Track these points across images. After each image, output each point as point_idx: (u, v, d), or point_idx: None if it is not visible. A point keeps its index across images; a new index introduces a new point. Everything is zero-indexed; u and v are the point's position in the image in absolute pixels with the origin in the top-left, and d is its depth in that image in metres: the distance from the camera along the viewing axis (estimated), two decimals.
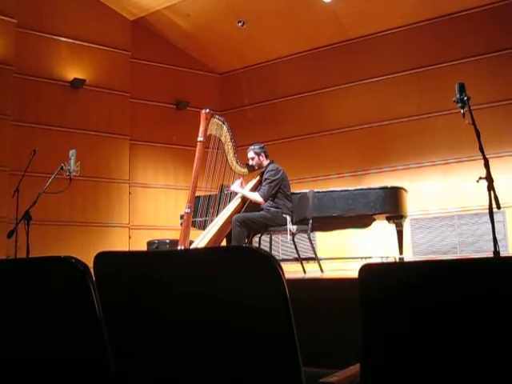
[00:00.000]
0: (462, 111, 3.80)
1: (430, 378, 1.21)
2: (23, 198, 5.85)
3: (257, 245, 5.60)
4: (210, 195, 5.42)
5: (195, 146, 5.11)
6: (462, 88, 3.83)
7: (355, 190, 5.90)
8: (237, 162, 5.28)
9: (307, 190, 5.51)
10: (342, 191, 5.85)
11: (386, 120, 8.96)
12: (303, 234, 5.43)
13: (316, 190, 5.65)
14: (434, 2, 8.45)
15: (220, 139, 5.26)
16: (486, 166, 3.64)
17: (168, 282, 1.38)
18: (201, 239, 4.96)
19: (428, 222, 8.41)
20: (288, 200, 5.20)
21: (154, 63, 10.01)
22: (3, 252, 6.97)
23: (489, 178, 3.60)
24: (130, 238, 9.21)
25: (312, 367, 1.48)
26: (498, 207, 3.57)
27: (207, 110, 5.18)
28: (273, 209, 5.09)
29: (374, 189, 5.87)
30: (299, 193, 5.55)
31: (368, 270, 1.27)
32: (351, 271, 5.30)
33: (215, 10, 9.01)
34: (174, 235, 7.20)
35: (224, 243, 5.15)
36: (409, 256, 8.09)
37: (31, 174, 6.37)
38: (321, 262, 5.57)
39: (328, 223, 6.01)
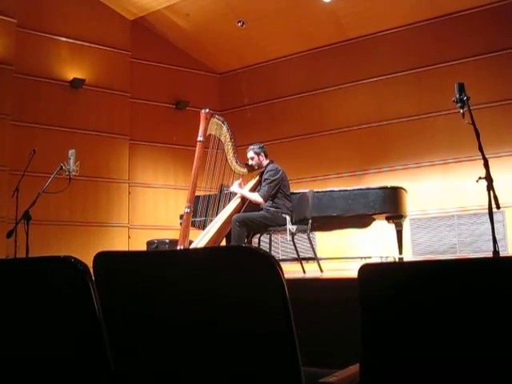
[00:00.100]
0: (461, 111, 3.80)
1: (430, 378, 1.21)
2: (23, 198, 5.85)
3: (256, 245, 5.60)
4: (209, 195, 5.42)
5: (195, 146, 5.11)
6: (461, 88, 3.84)
7: (355, 189, 5.90)
8: (236, 162, 5.28)
9: (307, 190, 5.51)
10: (341, 191, 5.85)
11: (385, 120, 8.97)
12: (303, 234, 5.43)
13: (315, 190, 5.65)
14: (433, 2, 8.45)
15: (220, 139, 5.26)
16: (486, 165, 3.65)
17: (168, 282, 1.38)
18: (200, 239, 4.96)
19: (427, 222, 8.41)
20: (287, 200, 5.20)
21: (153, 63, 10.01)
22: (3, 252, 6.96)
23: (488, 178, 3.60)
24: (129, 237, 9.20)
25: (311, 367, 1.48)
26: (498, 207, 3.57)
27: (207, 110, 5.18)
28: (272, 209, 5.09)
29: (373, 189, 5.87)
30: (299, 193, 5.55)
31: (367, 270, 1.28)
32: (351, 271, 5.30)
33: (215, 10, 9.01)
34: (174, 235, 7.20)
35: (223, 243, 5.15)
36: (408, 256, 8.09)
37: (31, 174, 6.37)
38: (320, 261, 5.57)
39: (327, 223, 6.00)
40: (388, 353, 1.26)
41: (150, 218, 9.57)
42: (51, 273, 1.47)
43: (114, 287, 1.47)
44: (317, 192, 5.66)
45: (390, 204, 5.80)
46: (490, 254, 4.66)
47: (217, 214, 5.15)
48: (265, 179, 5.19)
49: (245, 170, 5.35)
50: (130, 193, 9.39)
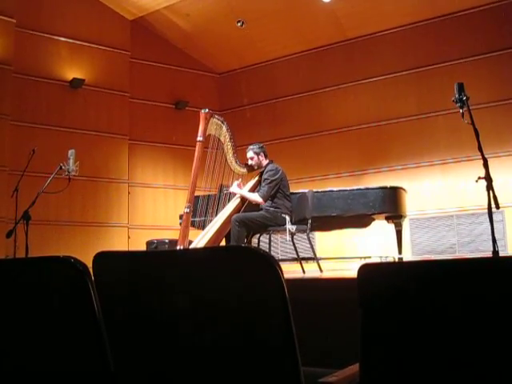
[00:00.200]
0: (461, 111, 3.80)
1: (429, 378, 1.21)
2: (22, 198, 5.85)
3: (256, 245, 5.60)
4: (209, 195, 5.42)
5: (194, 146, 5.11)
6: (460, 88, 3.84)
7: (354, 189, 5.90)
8: (236, 162, 5.28)
9: (306, 190, 5.51)
10: (341, 191, 5.85)
11: (385, 120, 8.97)
12: (302, 234, 5.43)
13: (315, 190, 5.65)
14: (433, 1, 8.45)
15: (219, 139, 5.25)
16: (485, 165, 3.65)
17: (167, 282, 1.38)
18: (200, 239, 4.95)
19: (427, 222, 8.41)
20: (287, 200, 5.20)
21: (153, 63, 10.01)
22: (2, 252, 6.96)
23: (488, 178, 3.60)
24: (129, 237, 9.20)
25: (311, 367, 1.48)
26: (497, 207, 3.57)
27: (207, 110, 5.18)
28: (272, 209, 5.09)
29: (373, 189, 5.87)
30: (298, 193, 5.55)
31: (367, 270, 1.28)
32: (350, 271, 5.30)
33: (214, 10, 9.01)
34: (173, 235, 7.20)
35: (223, 243, 5.15)
36: (408, 256, 8.10)
37: (30, 174, 6.37)
38: (320, 261, 5.57)
39: (327, 223, 6.01)
40: (387, 353, 1.26)
41: (149, 218, 9.57)
42: (51, 273, 1.47)
43: (114, 287, 1.47)
44: (316, 192, 5.66)
45: (390, 204, 5.80)
46: (489, 254, 4.66)
47: (216, 214, 5.15)
48: (264, 179, 5.19)
49: (244, 170, 5.34)
50: (129, 193, 9.39)
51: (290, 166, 6.32)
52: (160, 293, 1.39)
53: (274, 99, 10.06)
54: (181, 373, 1.39)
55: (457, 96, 3.82)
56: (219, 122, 5.24)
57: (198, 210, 5.37)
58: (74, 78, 8.86)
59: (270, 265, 1.20)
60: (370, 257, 7.89)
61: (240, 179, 5.34)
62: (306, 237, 5.29)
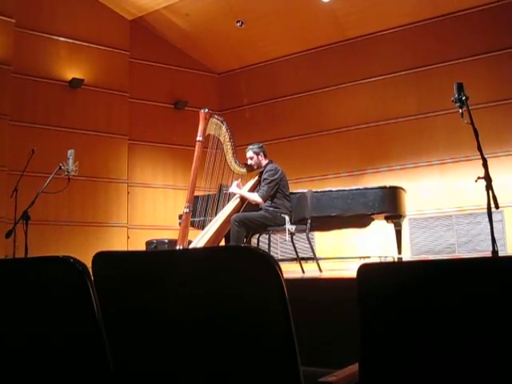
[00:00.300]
0: (460, 111, 3.80)
1: (429, 378, 1.21)
2: (22, 198, 5.84)
3: (255, 245, 5.60)
4: (208, 195, 5.42)
5: (194, 146, 5.11)
6: (460, 88, 3.84)
7: (354, 189, 5.90)
8: (236, 162, 5.27)
9: (306, 190, 5.51)
10: (340, 191, 5.85)
11: (384, 120, 8.97)
12: (302, 234, 5.42)
13: (314, 190, 5.65)
14: (432, 1, 8.45)
15: (219, 139, 5.25)
16: (485, 165, 3.64)
17: (167, 282, 1.38)
18: (199, 239, 4.95)
19: (426, 222, 8.42)
20: (287, 200, 5.19)
21: (152, 63, 10.01)
22: (1, 252, 6.96)
23: (487, 178, 3.60)
24: (128, 237, 9.20)
25: (311, 366, 1.48)
26: (497, 207, 3.57)
27: (206, 110, 5.18)
28: (271, 209, 5.08)
29: (372, 188, 5.87)
30: (298, 192, 5.55)
31: (366, 270, 1.28)
32: (350, 271, 5.30)
33: (214, 10, 9.01)
34: (173, 235, 7.19)
35: (222, 243, 5.15)
36: (407, 256, 8.10)
37: (30, 174, 6.37)
38: (319, 261, 5.57)
39: (326, 223, 6.00)
40: (387, 352, 1.26)
41: (149, 217, 9.57)
42: (50, 273, 1.47)
43: (113, 287, 1.47)
44: (316, 192, 5.66)
45: (389, 204, 5.80)
46: (488, 254, 4.66)
47: (216, 214, 5.14)
48: (264, 179, 5.19)
49: (244, 170, 5.34)
50: (128, 193, 9.39)
51: (289, 166, 6.32)
52: (159, 293, 1.39)
53: (273, 99, 10.07)
54: (180, 373, 1.39)
55: (456, 96, 3.82)
56: (219, 122, 5.24)
57: (198, 210, 5.37)
58: (74, 78, 8.86)
59: (270, 265, 1.20)
60: (369, 257, 7.89)
61: (239, 179, 5.33)
62: (305, 237, 5.28)
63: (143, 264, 1.45)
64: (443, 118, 8.28)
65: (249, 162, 5.34)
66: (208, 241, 4.85)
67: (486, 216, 3.59)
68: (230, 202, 5.22)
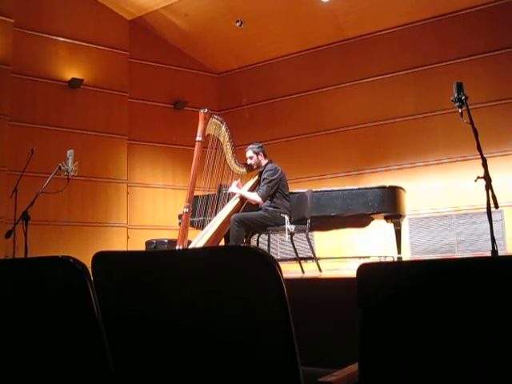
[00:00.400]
0: (459, 110, 3.80)
1: (428, 378, 1.21)
2: (21, 198, 5.84)
3: (255, 244, 5.60)
4: (208, 195, 5.42)
5: (193, 146, 5.11)
6: (459, 87, 3.83)
7: (353, 189, 5.91)
8: (235, 162, 5.27)
9: (305, 190, 5.51)
10: (340, 191, 5.85)
11: (383, 120, 8.97)
12: (301, 234, 5.43)
13: (314, 190, 5.65)
14: (431, 1, 8.46)
15: (218, 139, 5.25)
16: (484, 165, 3.64)
17: (166, 282, 1.38)
18: (199, 239, 4.95)
19: (426, 222, 8.42)
20: (286, 200, 5.20)
21: (151, 63, 10.00)
22: (1, 252, 6.96)
23: (487, 178, 3.60)
24: (128, 237, 9.20)
25: (310, 366, 1.48)
26: (496, 206, 3.57)
27: (206, 110, 5.18)
28: (271, 208, 5.09)
29: (372, 188, 5.88)
30: (297, 192, 5.55)
31: (366, 270, 1.28)
32: (349, 271, 5.30)
33: (213, 10, 9.01)
34: (173, 235, 7.19)
35: (222, 243, 5.15)
36: (407, 255, 8.10)
37: (29, 174, 6.37)
38: (319, 261, 5.57)
39: (326, 223, 6.00)
40: (387, 352, 1.26)
41: (148, 218, 9.57)
42: (50, 273, 1.47)
43: (113, 287, 1.47)
44: (315, 192, 5.66)
45: (389, 203, 5.80)
46: (488, 254, 4.66)
47: (215, 214, 5.15)
48: (263, 179, 5.19)
49: (244, 170, 5.34)
50: (128, 193, 9.38)
51: (288, 166, 6.32)
52: (159, 293, 1.39)
53: (272, 99, 10.07)
54: (180, 373, 1.39)
55: (456, 95, 3.82)
56: (218, 122, 5.24)
57: (197, 210, 5.37)
58: (73, 78, 8.85)
59: (269, 264, 1.20)
60: (369, 256, 7.89)
61: (239, 179, 5.34)
62: (305, 236, 5.29)
63: (143, 264, 1.45)
64: (442, 118, 8.28)
65: (248, 161, 5.34)
66: (208, 241, 4.85)
67: (486, 216, 3.60)
68: (230, 202, 5.22)
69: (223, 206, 5.21)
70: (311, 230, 5.49)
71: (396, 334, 1.25)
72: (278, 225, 5.03)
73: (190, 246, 4.99)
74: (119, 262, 1.49)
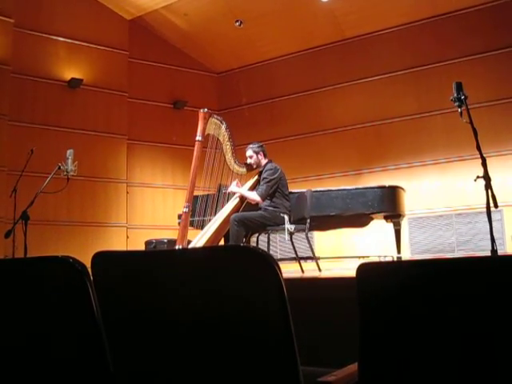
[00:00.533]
0: (459, 110, 3.80)
1: (428, 377, 1.21)
2: (21, 198, 5.84)
3: (254, 244, 5.60)
4: (208, 195, 5.41)
5: (193, 146, 5.11)
6: (459, 87, 3.84)
7: (353, 189, 5.90)
8: (235, 162, 5.27)
9: (305, 190, 5.50)
10: (339, 190, 5.85)
11: (383, 119, 8.97)
12: (301, 234, 5.42)
13: (314, 190, 5.65)
14: (431, 1, 8.46)
15: (218, 139, 5.24)
16: (484, 164, 3.65)
17: (166, 282, 1.38)
18: (199, 239, 4.95)
19: (426, 221, 8.42)
20: (286, 199, 5.19)
21: (151, 63, 10.00)
22: (1, 252, 6.97)
23: (486, 177, 3.60)
24: (127, 237, 9.20)
25: (310, 366, 1.48)
26: (496, 206, 3.57)
27: (205, 110, 5.18)
28: (271, 208, 5.08)
29: (371, 188, 5.87)
30: (297, 192, 5.55)
31: (366, 269, 1.28)
32: (349, 270, 5.30)
33: (213, 10, 9.01)
34: (172, 235, 7.20)
35: (222, 243, 5.15)
36: (406, 255, 8.10)
37: (29, 174, 6.36)
38: (319, 261, 5.56)
39: (326, 222, 6.00)
40: (386, 352, 1.26)
41: (148, 217, 9.57)
42: (49, 273, 1.47)
43: (113, 287, 1.47)
44: (315, 191, 5.66)
45: (389, 203, 5.80)
46: (487, 253, 4.66)
47: (215, 214, 5.15)
48: (263, 178, 5.19)
49: (243, 170, 5.34)
50: (128, 193, 9.38)
51: (287, 166, 6.31)
52: (159, 293, 1.39)
53: (272, 99, 10.07)
54: (180, 372, 1.39)
55: (455, 95, 3.82)
56: (218, 122, 5.24)
57: (197, 210, 5.37)
58: (73, 78, 8.85)
59: (269, 264, 1.20)
60: (368, 256, 7.89)
61: (237, 179, 5.33)
62: (304, 236, 5.28)
63: (142, 264, 1.44)
64: (442, 118, 8.29)
65: (248, 160, 5.34)
66: (207, 240, 4.85)
67: (486, 215, 3.60)
68: (230, 202, 5.21)
69: (223, 205, 5.21)
70: (311, 229, 5.49)
71: (396, 334, 1.25)
72: (277, 224, 5.03)
73: (190, 246, 4.99)
74: (119, 261, 1.49)
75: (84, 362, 1.45)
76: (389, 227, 6.19)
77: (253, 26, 9.29)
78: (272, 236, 6.12)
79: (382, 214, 5.94)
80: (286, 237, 5.03)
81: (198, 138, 5.10)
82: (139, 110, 9.70)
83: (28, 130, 8.35)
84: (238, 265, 1.26)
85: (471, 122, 3.73)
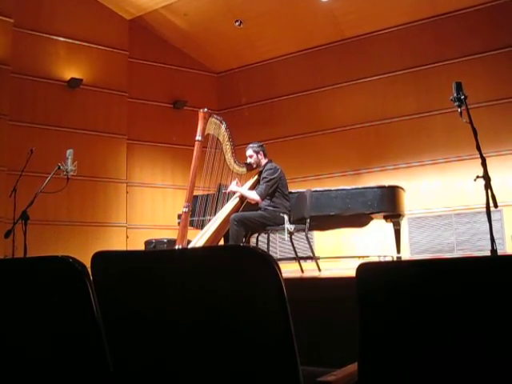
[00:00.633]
0: (459, 110, 3.80)
1: (428, 377, 1.21)
2: (20, 198, 5.84)
3: (254, 244, 5.60)
4: (207, 194, 5.42)
5: (192, 146, 5.11)
6: (459, 87, 3.84)
7: (353, 189, 5.91)
8: (235, 162, 5.27)
9: (305, 190, 5.50)
10: (339, 190, 5.85)
11: (383, 119, 8.97)
12: (301, 234, 5.42)
13: (313, 189, 5.65)
14: (430, 1, 8.46)
15: (218, 138, 5.24)
16: (483, 164, 3.65)
17: (166, 282, 1.38)
18: (198, 238, 4.95)
19: (425, 221, 8.42)
20: (286, 199, 5.19)
21: (151, 63, 10.00)
22: (1, 252, 6.97)
23: (486, 177, 3.60)
24: (127, 237, 9.20)
25: (310, 366, 1.48)
26: (496, 206, 3.57)
27: (205, 110, 5.18)
28: (270, 208, 5.08)
29: (371, 188, 5.87)
30: (297, 192, 5.55)
31: (365, 269, 1.28)
32: (349, 270, 5.30)
33: (212, 10, 9.01)
34: (172, 235, 7.20)
35: (221, 242, 5.15)
36: (406, 255, 8.10)
37: (28, 174, 6.36)
38: (318, 261, 5.56)
39: (326, 222, 6.00)
40: (386, 352, 1.26)
41: (148, 217, 9.57)
42: (49, 273, 1.47)
43: (112, 287, 1.47)
44: (315, 191, 5.66)
45: (388, 203, 5.80)
46: (487, 253, 4.66)
47: (215, 214, 5.14)
48: (263, 178, 5.19)
49: (243, 170, 5.34)
50: (127, 192, 9.38)
51: (287, 166, 6.31)
52: (158, 292, 1.39)
53: (272, 98, 10.07)
54: (180, 372, 1.39)
55: (455, 95, 3.82)
56: (218, 122, 5.23)
57: (197, 210, 5.37)
58: (72, 78, 8.85)
59: (269, 264, 1.20)
60: (368, 256, 7.90)
61: (237, 179, 5.33)
62: (304, 236, 5.28)
63: (142, 264, 1.45)
64: (442, 118, 8.29)
65: (248, 160, 5.34)
66: (207, 240, 4.85)
67: (485, 215, 3.60)
68: (229, 202, 5.21)
69: (223, 205, 5.21)
70: (310, 229, 5.49)
71: (395, 334, 1.25)
72: (277, 224, 5.03)
73: (190, 246, 4.99)
74: (118, 261, 1.49)
75: (84, 361, 1.45)
76: (388, 227, 6.19)
77: (252, 25, 9.29)
78: (272, 236, 6.12)
79: (382, 214, 5.94)
80: (286, 237, 5.03)
81: (198, 137, 5.10)
82: (139, 110, 9.70)
83: (28, 130, 8.35)
84: (237, 265, 1.26)
85: (471, 122, 3.73)
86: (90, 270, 1.43)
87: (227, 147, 5.23)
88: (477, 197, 5.61)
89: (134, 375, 1.46)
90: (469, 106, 3.80)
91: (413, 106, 8.74)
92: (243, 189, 5.24)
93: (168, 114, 10.07)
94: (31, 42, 8.61)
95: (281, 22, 9.13)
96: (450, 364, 1.18)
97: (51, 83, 8.76)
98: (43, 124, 8.58)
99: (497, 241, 3.74)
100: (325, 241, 8.67)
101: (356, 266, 1.28)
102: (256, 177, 5.37)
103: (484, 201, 3.59)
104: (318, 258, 5.70)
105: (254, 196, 5.12)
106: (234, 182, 5.27)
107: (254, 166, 5.35)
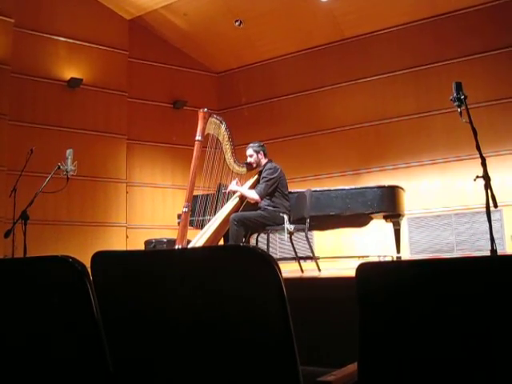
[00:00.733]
0: (458, 110, 3.80)
1: (428, 377, 1.21)
2: (20, 198, 5.84)
3: (254, 244, 5.60)
4: (207, 194, 5.41)
5: (192, 145, 5.11)
6: (458, 87, 3.84)
7: (353, 189, 5.91)
8: (235, 161, 5.27)
9: (304, 189, 5.50)
10: (339, 190, 5.85)
11: (383, 119, 8.97)
12: (301, 233, 5.42)
13: (313, 189, 5.65)
14: (430, 1, 8.46)
15: (218, 138, 5.24)
16: (483, 164, 3.65)
17: (166, 282, 1.38)
18: (198, 238, 4.95)
19: (425, 221, 8.42)
20: (285, 199, 5.19)
21: (151, 62, 10.00)
22: (0, 252, 6.96)
23: (486, 177, 3.60)
24: (127, 237, 9.20)
25: (310, 366, 1.48)
26: (495, 206, 3.57)
27: (205, 109, 5.18)
28: (270, 208, 5.08)
29: (371, 188, 5.87)
30: (297, 192, 5.55)
31: (365, 269, 1.28)
32: (349, 270, 5.30)
33: (212, 10, 9.01)
34: (172, 234, 7.20)
35: (221, 242, 5.15)
36: (406, 255, 8.10)
37: (28, 174, 6.36)
38: (318, 261, 5.56)
39: (325, 222, 6.00)
40: (386, 351, 1.26)
41: (147, 217, 9.57)
42: (49, 273, 1.47)
43: (112, 287, 1.47)
44: (314, 191, 5.66)
45: (388, 203, 5.80)
46: (486, 253, 4.66)
47: (215, 214, 5.14)
48: (262, 177, 5.19)
49: (243, 170, 5.33)
50: (127, 192, 9.38)
51: (287, 166, 6.31)
52: (158, 292, 1.39)
53: (272, 98, 10.07)
54: (180, 372, 1.39)
55: (455, 95, 3.82)
56: (217, 122, 5.23)
57: (197, 210, 5.37)
58: (72, 78, 8.85)
59: (269, 264, 1.20)
60: (368, 256, 7.90)
61: (237, 179, 5.33)
62: (304, 236, 5.28)
63: (142, 264, 1.45)
64: (441, 118, 8.29)
65: (248, 159, 5.34)
66: (207, 240, 4.85)
67: (484, 215, 3.60)
68: (229, 202, 5.21)
69: (222, 205, 5.21)
70: (310, 229, 5.49)
71: (395, 334, 1.25)
72: (277, 224, 5.03)
73: (190, 246, 4.99)
74: (118, 261, 1.49)
75: (84, 361, 1.45)
76: (388, 227, 6.19)
77: (252, 25, 9.29)
78: (271, 236, 6.12)
79: (382, 214, 5.94)
80: (286, 237, 5.03)
81: (198, 137, 5.09)
82: (139, 110, 9.70)
83: (28, 130, 8.35)
84: (237, 265, 1.26)
85: (471, 122, 3.73)
86: (89, 269, 1.43)
87: (227, 147, 5.23)
88: (476, 197, 5.62)
89: (134, 375, 1.46)
90: (468, 106, 3.80)
91: (412, 106, 8.74)
92: (243, 188, 5.24)
93: (168, 114, 10.07)
94: (31, 42, 8.61)
95: (281, 22, 9.13)
96: (449, 364, 1.18)
97: (51, 83, 8.76)
98: (43, 124, 8.58)
99: (496, 241, 3.74)
100: (324, 241, 8.67)
101: (356, 265, 1.28)
102: (256, 176, 5.37)
103: (483, 201, 3.59)
104: (318, 258, 5.70)
105: (253, 195, 5.12)
106: (233, 182, 5.27)
107: (254, 165, 5.35)
